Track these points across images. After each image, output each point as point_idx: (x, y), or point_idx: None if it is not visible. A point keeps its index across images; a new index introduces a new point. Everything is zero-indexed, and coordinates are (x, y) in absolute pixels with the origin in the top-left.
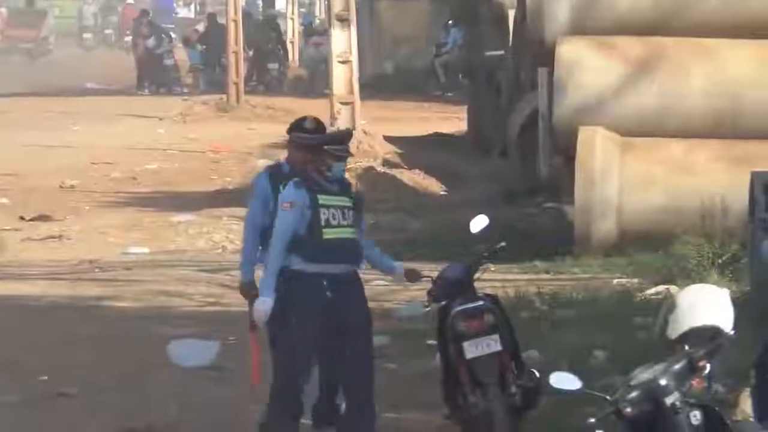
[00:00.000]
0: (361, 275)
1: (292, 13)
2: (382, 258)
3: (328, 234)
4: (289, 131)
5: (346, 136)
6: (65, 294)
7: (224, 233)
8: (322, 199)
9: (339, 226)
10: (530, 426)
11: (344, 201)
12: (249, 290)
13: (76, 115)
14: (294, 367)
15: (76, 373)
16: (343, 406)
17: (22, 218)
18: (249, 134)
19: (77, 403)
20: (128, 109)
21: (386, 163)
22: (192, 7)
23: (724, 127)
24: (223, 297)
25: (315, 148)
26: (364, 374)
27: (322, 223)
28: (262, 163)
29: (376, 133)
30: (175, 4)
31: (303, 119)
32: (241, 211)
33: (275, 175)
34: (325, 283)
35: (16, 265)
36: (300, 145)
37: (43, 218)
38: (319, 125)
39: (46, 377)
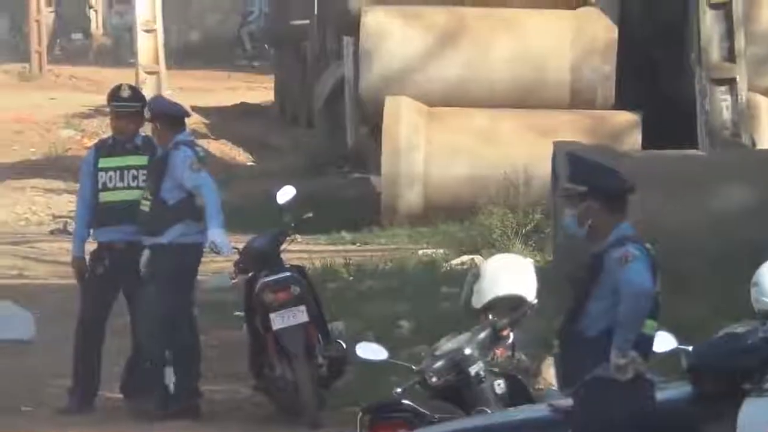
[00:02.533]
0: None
1: None
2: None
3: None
4: (108, 101)
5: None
6: None
7: (27, 205)
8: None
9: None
10: (336, 396)
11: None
12: (77, 265)
13: None
14: None
15: None
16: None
17: None
18: (52, 104)
19: None
20: None
21: (193, 133)
22: None
23: (528, 97)
24: (27, 269)
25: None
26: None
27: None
28: (66, 133)
29: (183, 103)
30: None
31: (118, 87)
32: (45, 183)
33: (101, 148)
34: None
35: None
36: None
37: None
38: (134, 93)
39: None
